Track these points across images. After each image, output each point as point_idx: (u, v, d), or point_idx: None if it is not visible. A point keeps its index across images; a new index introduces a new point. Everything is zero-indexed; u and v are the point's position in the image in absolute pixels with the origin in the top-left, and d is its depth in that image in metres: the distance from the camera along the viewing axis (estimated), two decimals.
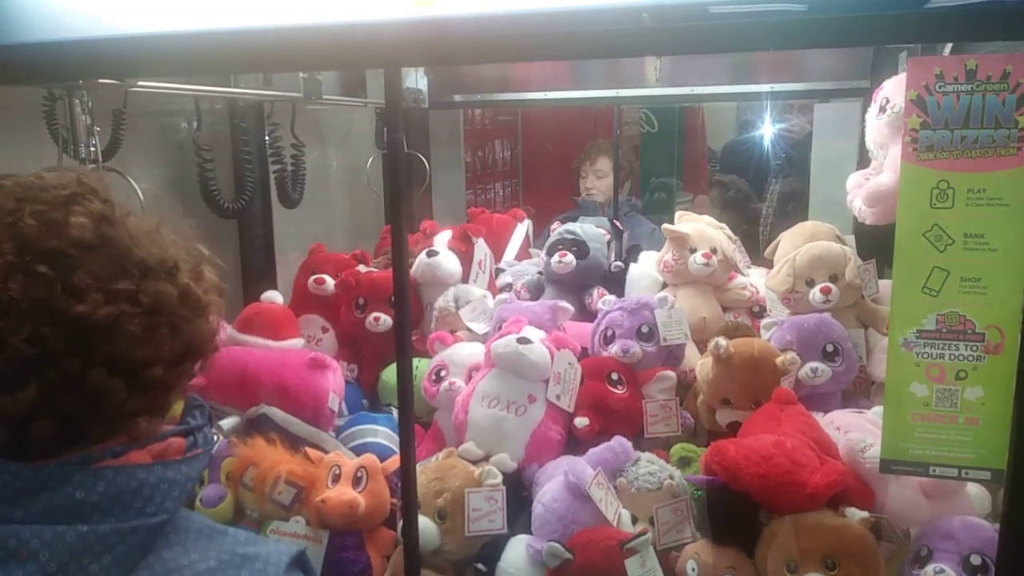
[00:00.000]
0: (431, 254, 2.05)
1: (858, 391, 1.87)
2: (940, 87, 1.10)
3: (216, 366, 1.73)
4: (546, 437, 1.67)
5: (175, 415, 1.69)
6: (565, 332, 1.93)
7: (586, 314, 2.07)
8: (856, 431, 1.53)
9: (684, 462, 1.67)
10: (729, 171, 4.40)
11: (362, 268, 2.17)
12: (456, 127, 3.56)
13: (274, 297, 2.07)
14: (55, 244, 0.74)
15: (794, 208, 3.35)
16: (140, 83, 1.73)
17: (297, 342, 2.03)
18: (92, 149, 1.76)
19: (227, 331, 2.02)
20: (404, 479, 1.38)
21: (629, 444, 1.55)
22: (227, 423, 1.74)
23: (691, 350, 1.93)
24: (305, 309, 2.15)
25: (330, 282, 2.11)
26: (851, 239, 2.03)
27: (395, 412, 1.93)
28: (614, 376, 1.76)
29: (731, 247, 2.04)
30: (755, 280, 2.12)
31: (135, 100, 1.88)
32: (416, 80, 2.78)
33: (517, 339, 1.69)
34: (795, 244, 1.99)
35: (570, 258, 2.07)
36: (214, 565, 0.78)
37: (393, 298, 2.04)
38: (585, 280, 2.10)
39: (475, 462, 1.63)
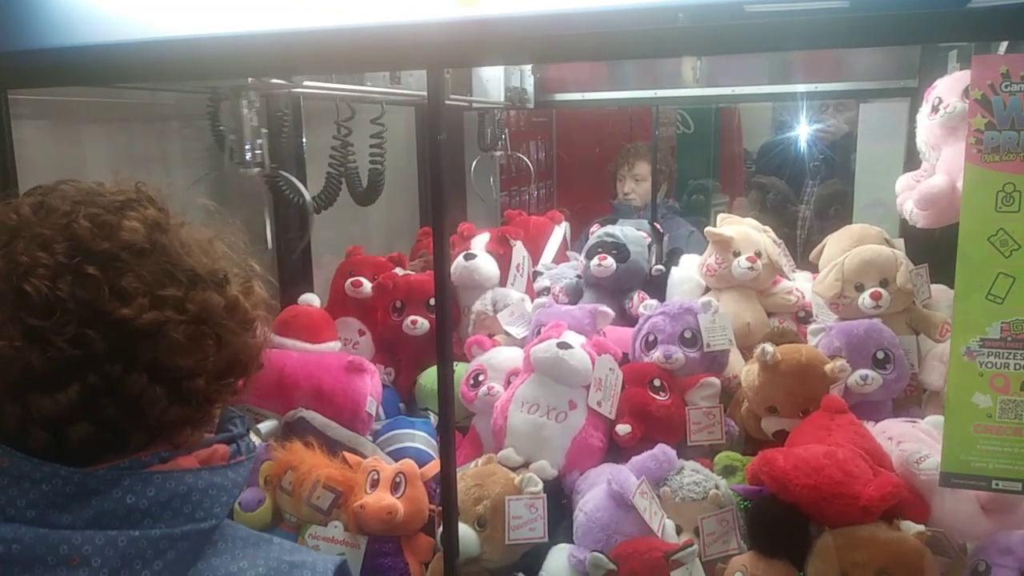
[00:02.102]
0: (468, 257, 2.03)
1: (909, 400, 1.82)
2: (1006, 86, 1.05)
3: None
4: (587, 444, 1.64)
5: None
6: (605, 337, 1.90)
7: (626, 318, 2.04)
8: (910, 441, 1.48)
9: (728, 471, 1.63)
10: (765, 172, 4.33)
11: (399, 271, 2.15)
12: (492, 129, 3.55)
13: (311, 300, 2.07)
14: (106, 247, 0.73)
15: (836, 211, 3.29)
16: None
17: (334, 345, 2.02)
18: (258, 153, 1.79)
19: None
20: (444, 485, 1.36)
21: (673, 452, 1.52)
22: (265, 426, 1.74)
23: (735, 356, 1.89)
24: (342, 312, 2.14)
25: (367, 285, 2.10)
26: (900, 242, 1.97)
27: (433, 416, 1.91)
28: (656, 382, 1.73)
29: (776, 251, 2.00)
30: (802, 284, 2.07)
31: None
32: (521, 79, 2.75)
33: (557, 344, 1.66)
34: (842, 247, 1.93)
35: (610, 261, 2.03)
36: (263, 572, 0.77)
37: (434, 302, 2.06)
38: (625, 284, 2.07)
39: (515, 469, 1.61)
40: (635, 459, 1.53)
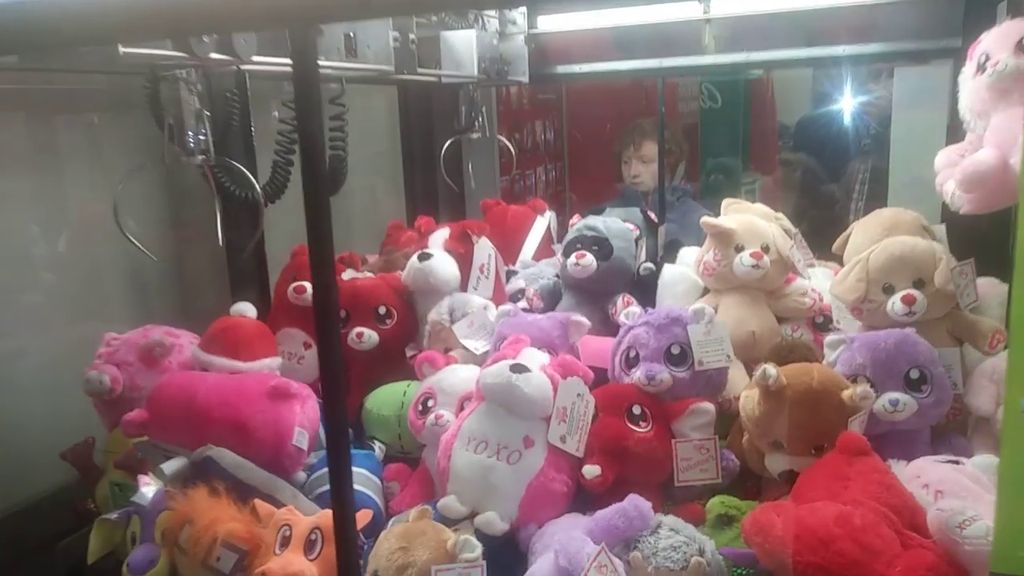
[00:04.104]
0: (423, 257, 1.73)
1: (952, 425, 1.48)
2: None
3: (160, 396, 1.47)
4: (546, 490, 1.33)
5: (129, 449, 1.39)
6: (581, 351, 1.59)
7: (610, 327, 1.72)
8: (951, 494, 1.15)
9: (723, 522, 1.31)
10: (803, 149, 3.97)
11: (348, 274, 1.86)
12: (488, 106, 3.25)
13: (245, 310, 1.78)
14: None
15: (873, 190, 2.92)
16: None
17: (272, 362, 1.74)
18: (202, 139, 1.58)
19: (190, 351, 1.76)
20: (341, 556, 1.06)
21: (647, 507, 1.20)
22: (170, 467, 1.46)
23: (737, 372, 1.57)
24: (286, 322, 1.86)
25: (311, 290, 1.80)
26: (941, 229, 1.63)
27: (378, 448, 1.63)
28: (636, 410, 1.42)
29: (787, 243, 1.66)
30: (820, 282, 1.73)
31: None
32: (499, 48, 2.47)
33: (510, 366, 1.36)
34: (872, 237, 1.60)
35: (589, 259, 1.71)
36: None
37: (383, 311, 1.77)
38: (608, 285, 1.75)
39: (458, 522, 1.32)
40: (599, 515, 1.22)
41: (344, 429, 1.09)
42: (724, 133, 4.76)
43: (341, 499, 1.06)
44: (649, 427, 1.40)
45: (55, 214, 1.88)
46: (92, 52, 1.71)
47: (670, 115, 4.08)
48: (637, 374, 1.45)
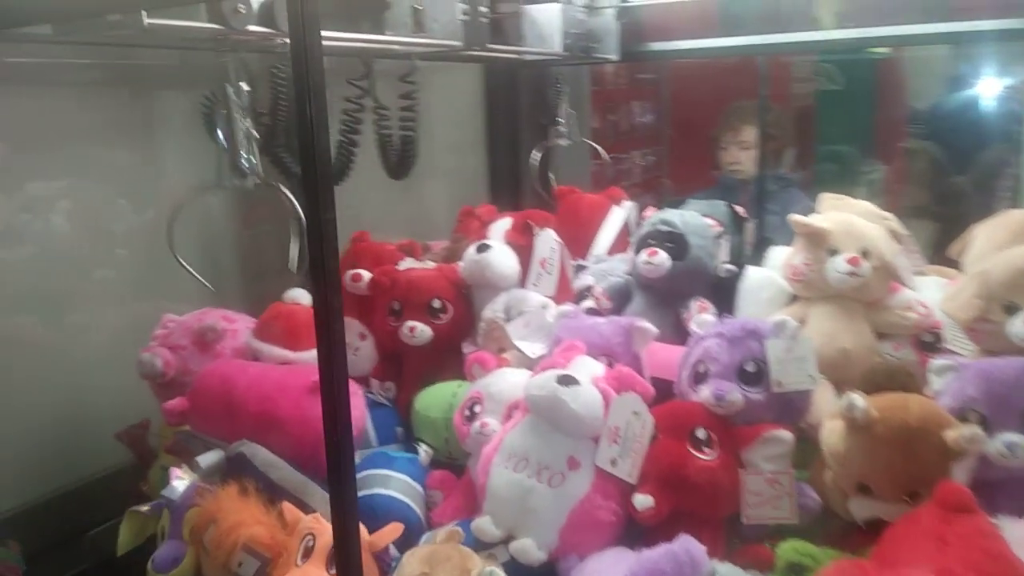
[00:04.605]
0: (481, 248, 1.61)
1: None
2: None
3: (201, 385, 1.42)
4: (591, 519, 1.20)
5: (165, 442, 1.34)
6: (647, 360, 1.43)
7: (685, 334, 1.55)
8: None
9: (794, 571, 1.14)
10: (935, 138, 3.61)
11: (407, 263, 1.76)
12: (579, 86, 3.09)
13: (299, 297, 1.72)
14: None
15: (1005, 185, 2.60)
16: None
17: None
18: (253, 162, 1.45)
19: (243, 337, 1.71)
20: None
21: (699, 552, 1.05)
22: (206, 459, 1.40)
23: (825, 394, 1.37)
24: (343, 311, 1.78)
25: (367, 278, 1.72)
26: None
27: (424, 452, 1.53)
28: (700, 433, 1.25)
29: (893, 248, 1.44)
30: (932, 293, 1.50)
31: None
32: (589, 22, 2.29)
33: (558, 377, 1.22)
34: (996, 243, 1.37)
35: (662, 257, 1.55)
36: None
37: (437, 304, 1.66)
38: (683, 287, 1.58)
39: (491, 547, 1.20)
40: (645, 556, 1.07)
41: (347, 438, 1.00)
42: (844, 118, 4.42)
43: (344, 523, 0.97)
44: (714, 454, 1.24)
45: (130, 190, 1.87)
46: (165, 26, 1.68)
47: (780, 97, 3.79)
48: (704, 392, 1.28)
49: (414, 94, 1.88)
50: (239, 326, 1.73)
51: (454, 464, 1.52)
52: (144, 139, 1.90)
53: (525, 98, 2.87)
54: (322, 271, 0.94)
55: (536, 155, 2.48)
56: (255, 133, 1.47)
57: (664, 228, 1.58)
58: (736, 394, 1.26)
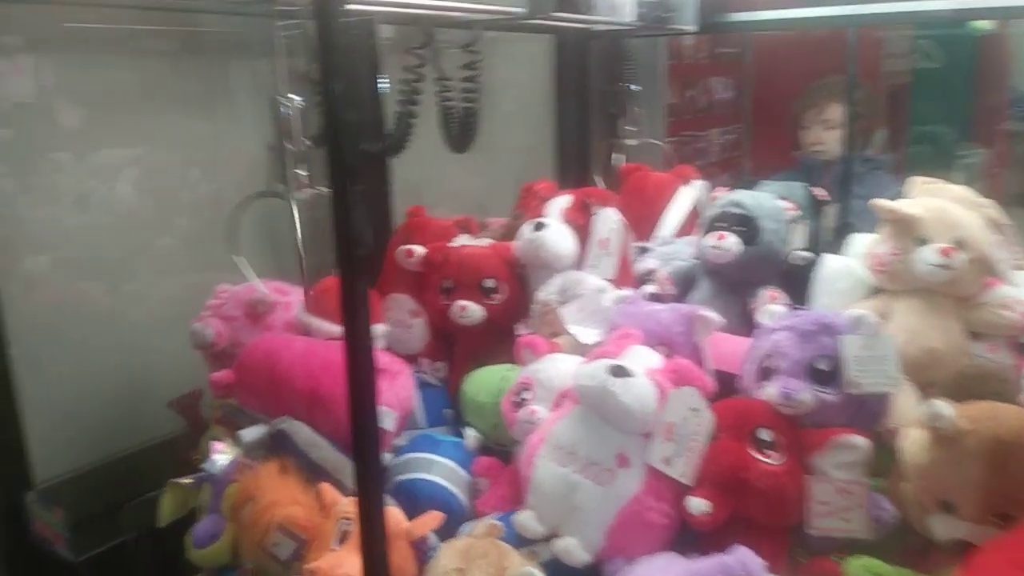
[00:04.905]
0: (537, 227, 1.53)
1: None
2: None
3: (247, 359, 1.39)
4: (640, 521, 1.11)
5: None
6: (710, 351, 1.33)
7: (752, 324, 1.44)
8: None
9: None
10: None
11: (462, 240, 1.70)
12: (654, 59, 2.96)
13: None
14: None
15: None
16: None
17: (375, 329, 1.62)
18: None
19: (295, 311, 1.68)
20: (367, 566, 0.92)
21: (756, 566, 0.96)
22: (249, 434, 1.38)
23: (907, 398, 1.25)
24: (395, 287, 1.73)
25: (420, 254, 1.66)
26: None
27: (471, 436, 1.47)
28: (764, 434, 1.15)
29: (990, 239, 1.30)
30: None
31: None
32: None
33: (609, 368, 1.14)
34: None
35: (731, 241, 1.44)
36: None
37: (489, 283, 1.59)
38: (753, 275, 1.47)
39: (533, 543, 1.14)
40: (698, 566, 0.99)
41: (373, 424, 0.95)
42: (941, 97, 4.16)
43: (369, 508, 0.92)
44: (779, 458, 1.14)
45: (193, 158, 1.86)
46: None
47: (871, 74, 3.57)
48: (770, 390, 1.18)
49: (476, 64, 1.80)
50: (292, 299, 1.70)
51: (502, 451, 1.45)
52: (209, 108, 1.89)
53: (596, 73, 2.76)
54: (346, 250, 0.89)
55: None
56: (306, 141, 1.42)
57: (735, 210, 1.47)
58: (806, 394, 1.16)
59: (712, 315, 1.31)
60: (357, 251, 0.86)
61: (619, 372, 1.13)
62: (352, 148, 0.82)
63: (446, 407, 1.61)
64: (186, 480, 1.34)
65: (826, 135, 2.68)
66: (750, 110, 3.93)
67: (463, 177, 2.48)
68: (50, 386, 1.59)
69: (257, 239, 1.99)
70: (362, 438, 0.91)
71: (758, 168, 3.79)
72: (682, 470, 1.14)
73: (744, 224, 1.45)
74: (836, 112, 2.65)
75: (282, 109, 1.44)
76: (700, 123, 3.51)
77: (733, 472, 1.13)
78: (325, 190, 1.47)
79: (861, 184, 2.49)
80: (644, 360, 1.19)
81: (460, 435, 1.49)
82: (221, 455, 1.34)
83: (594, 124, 2.82)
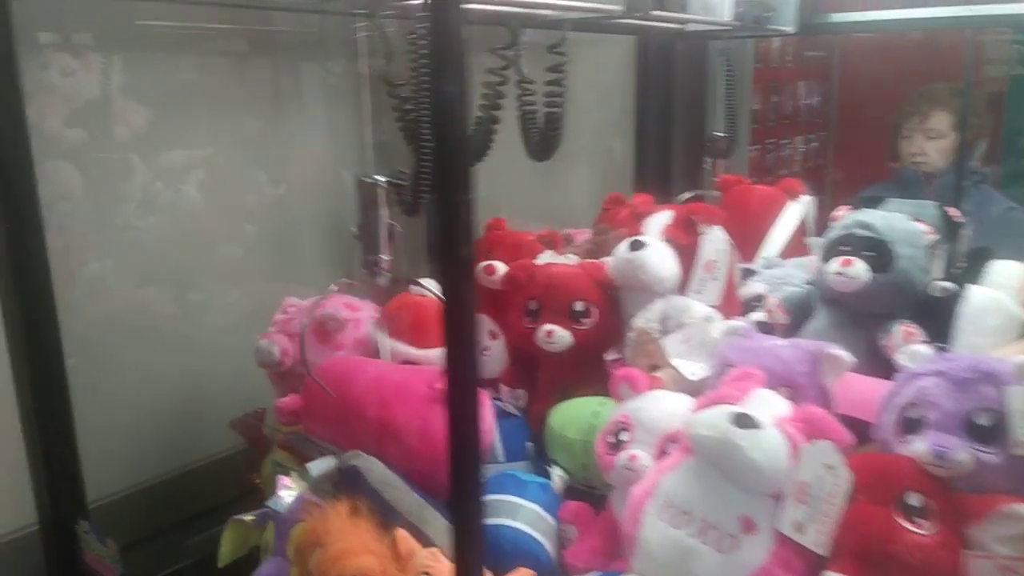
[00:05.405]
0: (635, 246, 1.38)
1: None
2: None
3: (316, 385, 1.28)
4: None
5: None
6: (837, 394, 1.17)
7: (879, 363, 1.27)
8: None
9: None
10: None
11: (546, 257, 1.56)
12: (740, 63, 2.79)
13: (428, 287, 1.55)
14: None
15: None
16: None
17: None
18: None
19: (366, 328, 1.56)
20: None
21: None
22: (317, 467, 1.26)
23: None
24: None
25: (502, 271, 1.53)
26: None
27: (558, 476, 1.33)
28: (913, 499, 0.98)
29: None
30: None
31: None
32: None
33: (733, 416, 0.99)
34: None
35: (860, 268, 1.27)
36: None
37: (579, 307, 1.44)
38: (884, 307, 1.29)
39: None
40: None
41: (475, 469, 0.82)
42: None
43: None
44: (931, 528, 0.97)
45: (263, 163, 1.77)
46: None
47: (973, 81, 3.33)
48: (920, 446, 1.01)
49: (563, 67, 1.67)
50: (362, 315, 1.59)
51: (592, 494, 1.31)
52: (281, 111, 1.80)
53: (681, 77, 2.61)
54: (454, 266, 0.76)
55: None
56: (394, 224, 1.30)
57: (863, 232, 1.30)
58: (963, 453, 0.99)
59: (844, 355, 1.15)
60: (464, 266, 0.74)
61: (745, 422, 0.98)
62: (463, 155, 0.69)
63: (527, 440, 1.47)
64: (249, 517, 1.23)
65: (928, 145, 2.48)
66: (836, 117, 3.71)
67: (535, 187, 2.35)
68: (105, 398, 1.51)
69: (321, 244, 1.90)
70: (463, 496, 0.78)
71: (844, 179, 3.58)
72: (816, 538, 0.98)
73: (874, 249, 1.28)
74: (941, 121, 2.46)
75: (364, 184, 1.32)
76: (783, 130, 3.32)
77: (878, 543, 0.96)
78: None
79: (966, 199, 2.29)
80: (770, 407, 1.04)
81: (543, 473, 1.36)
82: (287, 490, 1.22)
83: (677, 131, 2.67)
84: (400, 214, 1.46)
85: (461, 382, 0.76)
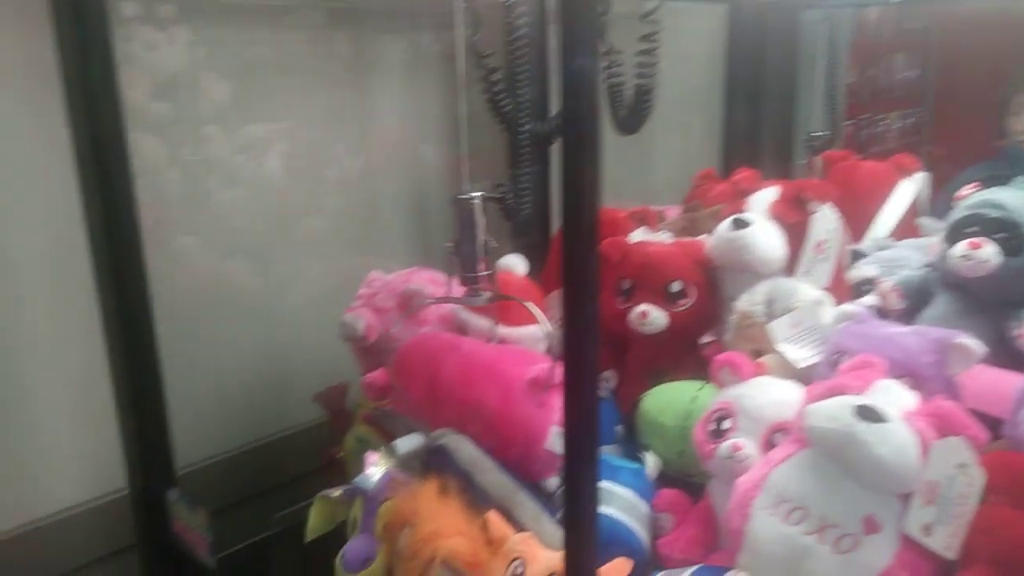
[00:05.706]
0: (739, 224, 1.30)
1: None
2: None
3: (404, 360, 1.24)
4: None
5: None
6: (964, 388, 1.08)
7: (1008, 354, 1.17)
8: None
9: None
10: None
11: (639, 233, 1.50)
12: (836, 34, 2.65)
13: (513, 265, 1.51)
14: None
15: None
16: None
17: (537, 330, 1.45)
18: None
19: (450, 305, 1.52)
20: None
21: None
22: (404, 444, 1.23)
23: None
24: (560, 283, 1.55)
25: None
26: None
27: (652, 462, 1.27)
28: None
29: None
30: None
31: None
32: None
33: (856, 408, 0.91)
34: None
35: (989, 252, 1.17)
36: None
37: (676, 287, 1.38)
38: (1014, 294, 1.19)
39: None
40: None
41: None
42: None
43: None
44: None
45: (345, 135, 1.75)
46: None
47: None
48: None
49: (655, 36, 1.59)
50: (446, 291, 1.55)
51: (689, 482, 1.25)
52: (362, 84, 1.77)
53: (772, 51, 2.50)
54: (575, 242, 0.72)
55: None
56: (490, 240, 1.24)
57: (993, 213, 1.19)
58: None
59: (973, 344, 1.06)
60: (588, 250, 0.69)
61: (870, 415, 0.90)
62: (593, 128, 0.64)
63: (617, 423, 1.42)
64: (336, 493, 1.21)
65: None
66: (933, 92, 3.51)
67: (618, 162, 2.28)
68: (191, 369, 1.51)
69: (404, 218, 1.87)
70: (578, 487, 0.73)
71: (943, 156, 3.40)
72: (945, 542, 0.90)
73: (1006, 230, 1.17)
74: None
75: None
76: (879, 105, 3.15)
77: (1017, 548, 0.88)
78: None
79: None
80: (896, 399, 0.96)
81: (635, 458, 1.30)
82: (375, 468, 1.19)
83: (766, 105, 2.56)
84: (495, 229, 1.41)
85: (580, 367, 0.72)
